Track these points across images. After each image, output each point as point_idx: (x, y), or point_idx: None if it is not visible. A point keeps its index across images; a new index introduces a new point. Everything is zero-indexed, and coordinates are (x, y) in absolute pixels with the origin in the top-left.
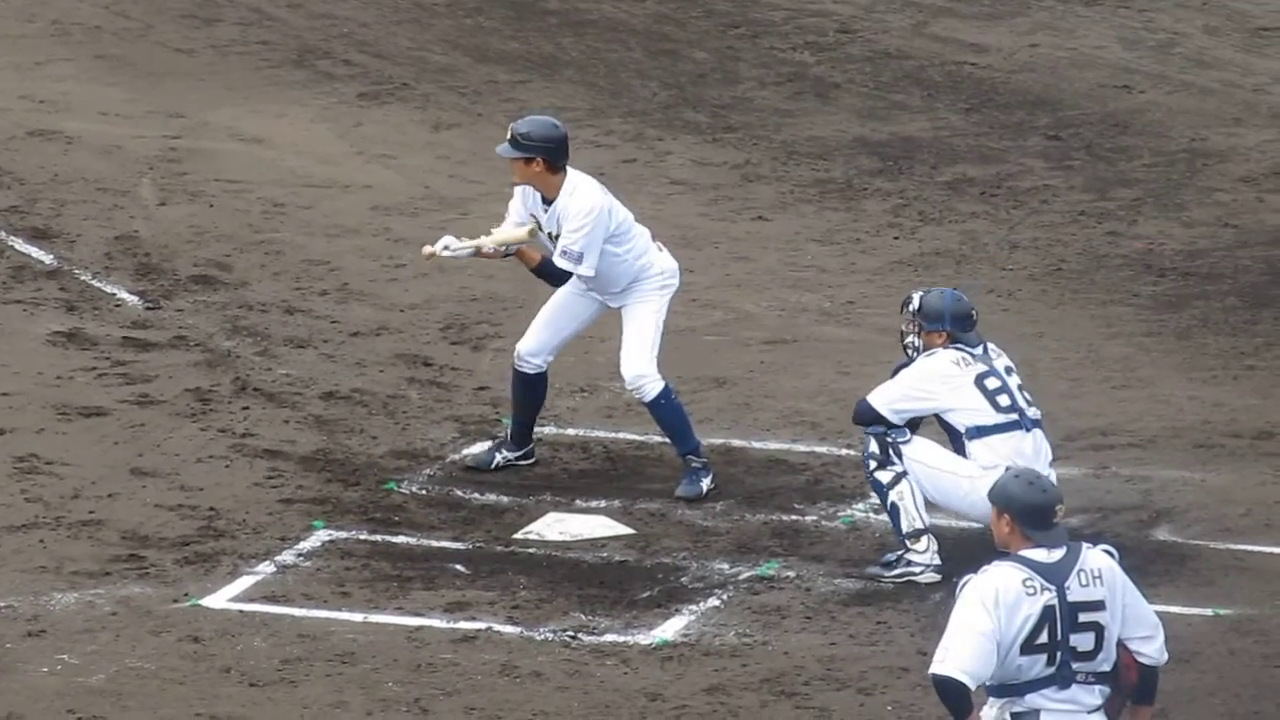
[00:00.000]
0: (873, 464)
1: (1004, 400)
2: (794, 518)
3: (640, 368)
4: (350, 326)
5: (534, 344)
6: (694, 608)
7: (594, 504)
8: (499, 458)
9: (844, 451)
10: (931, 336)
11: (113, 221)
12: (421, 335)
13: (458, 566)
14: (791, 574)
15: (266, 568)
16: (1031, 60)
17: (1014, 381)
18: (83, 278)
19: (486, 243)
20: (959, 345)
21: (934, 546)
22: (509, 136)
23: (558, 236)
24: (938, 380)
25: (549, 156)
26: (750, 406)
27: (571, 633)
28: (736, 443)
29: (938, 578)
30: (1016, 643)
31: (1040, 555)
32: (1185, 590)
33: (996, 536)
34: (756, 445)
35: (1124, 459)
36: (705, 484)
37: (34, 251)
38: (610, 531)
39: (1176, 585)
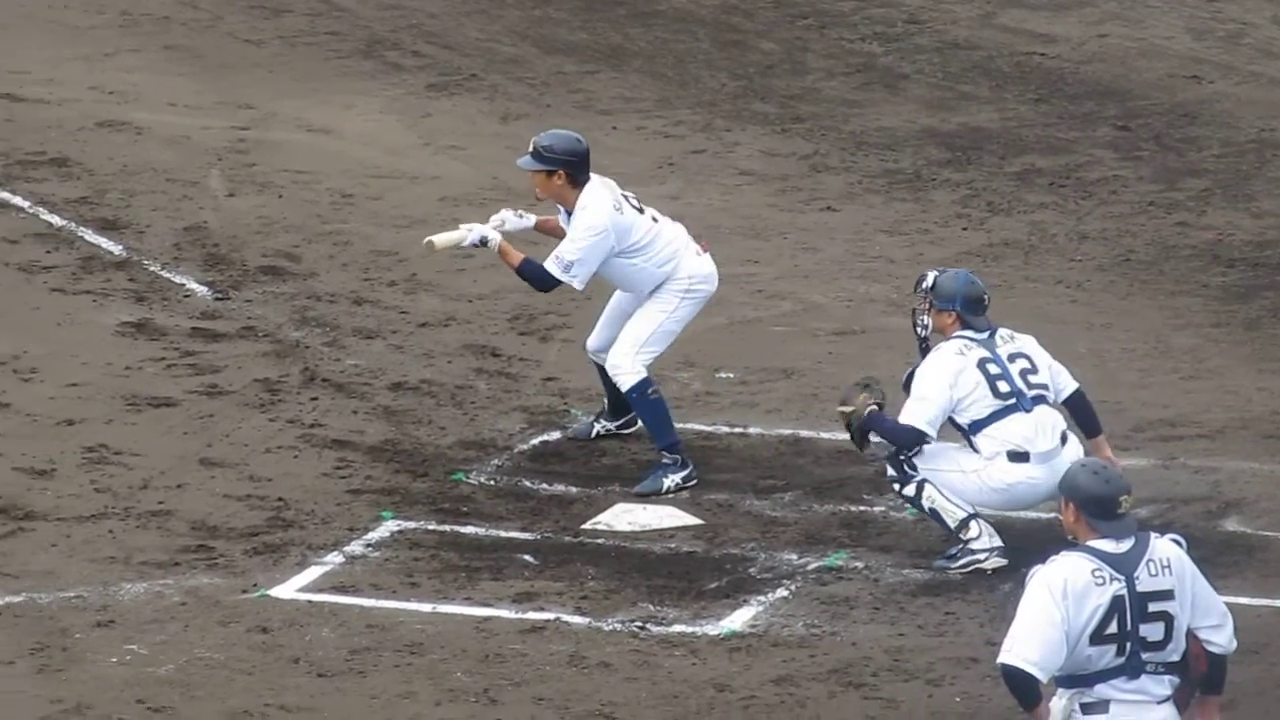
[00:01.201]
0: (897, 485)
1: (1003, 386)
2: (862, 508)
3: (618, 359)
4: (418, 317)
5: (597, 340)
6: (762, 598)
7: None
8: (598, 427)
9: None
10: (942, 316)
11: (181, 212)
12: (489, 326)
13: (526, 557)
14: (859, 565)
15: (335, 558)
16: (1100, 50)
17: (1016, 368)
18: (152, 268)
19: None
20: (965, 331)
21: (988, 528)
22: (531, 149)
23: None
24: (951, 375)
25: (571, 170)
26: (818, 397)
27: (640, 623)
28: (805, 433)
29: (1004, 561)
30: (1085, 633)
31: (1109, 545)
32: (1254, 581)
33: (1066, 526)
34: (825, 436)
35: (1192, 450)
36: (668, 481)
37: (103, 242)
38: (678, 522)
39: (1245, 576)
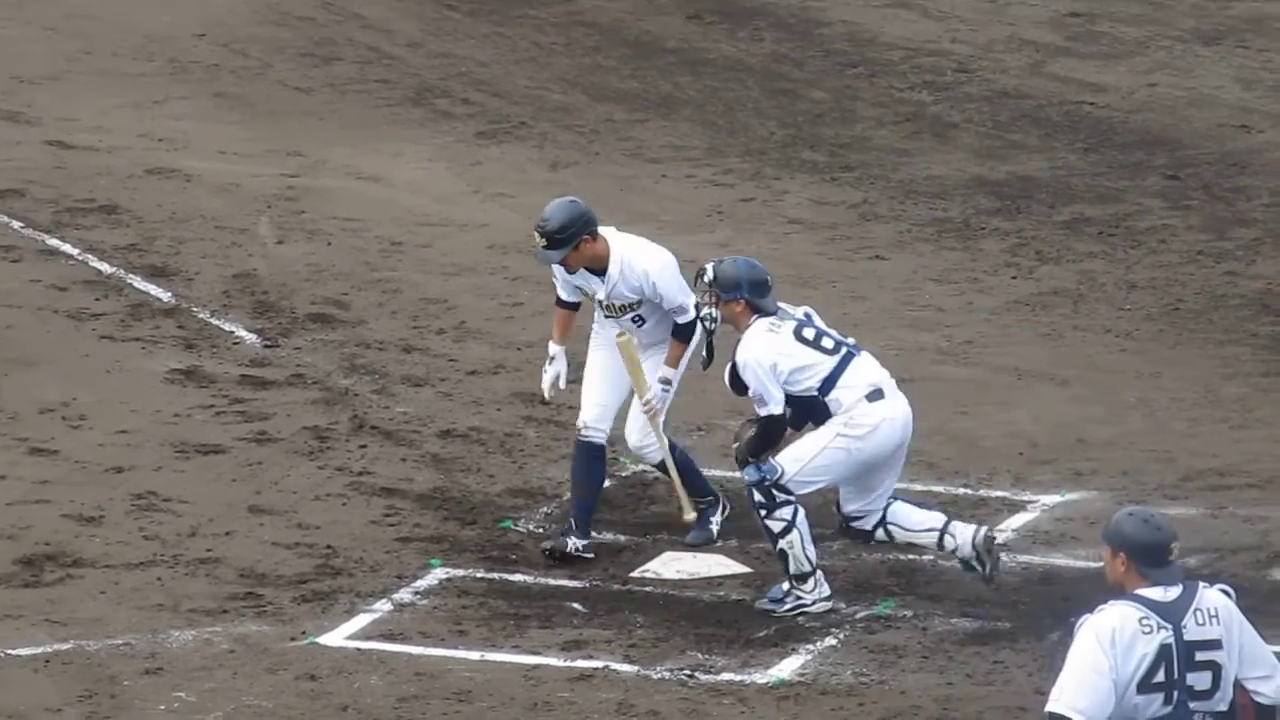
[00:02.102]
0: (763, 512)
1: (828, 343)
2: (910, 557)
3: (640, 437)
4: (467, 365)
5: (595, 412)
6: (810, 647)
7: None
8: (716, 524)
9: (961, 491)
10: (730, 306)
11: (230, 259)
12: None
13: (574, 605)
14: (908, 613)
15: (383, 606)
16: (1150, 100)
17: (819, 322)
18: (201, 315)
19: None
20: (759, 315)
21: (822, 584)
22: (544, 242)
23: (620, 306)
24: (772, 356)
25: (588, 232)
26: None
27: (688, 671)
28: None
29: (829, 605)
30: (1133, 681)
31: (1156, 594)
32: None
33: (1111, 576)
34: None
35: (1242, 499)
36: (714, 527)
37: (152, 289)
38: (726, 570)
39: None
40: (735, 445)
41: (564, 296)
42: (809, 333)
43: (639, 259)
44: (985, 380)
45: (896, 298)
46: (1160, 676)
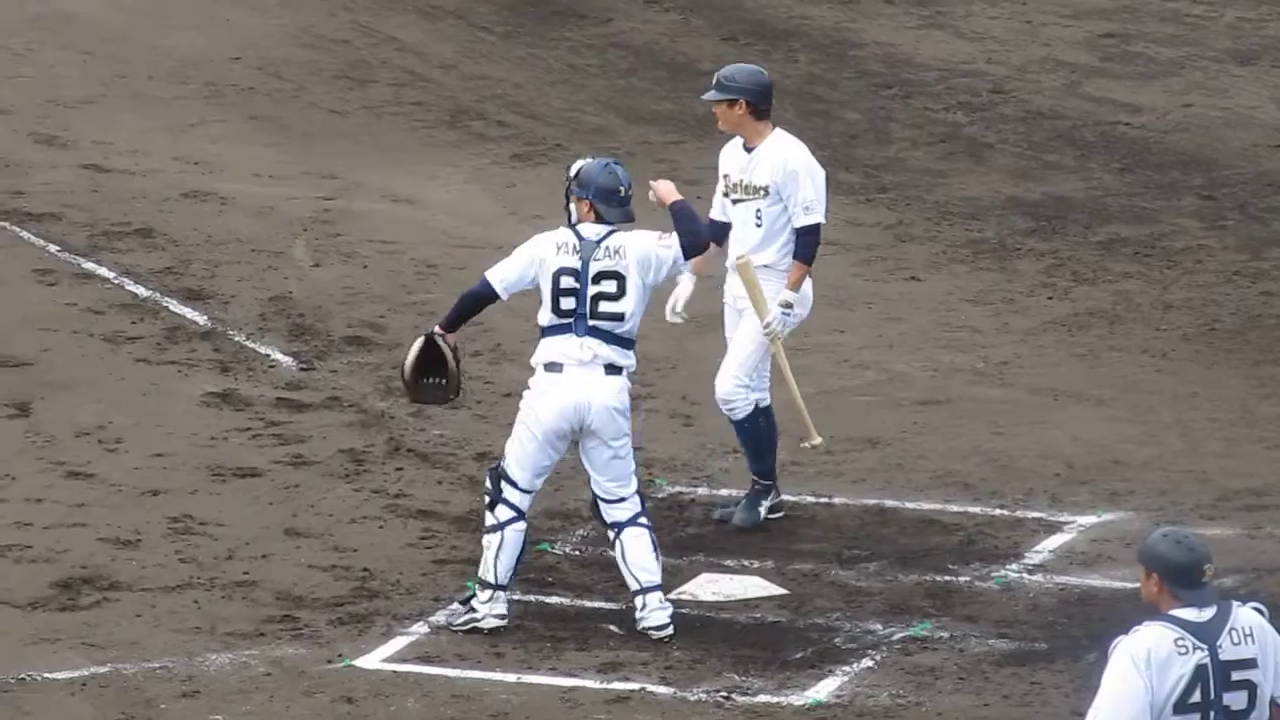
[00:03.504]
0: (486, 499)
1: (566, 304)
2: (947, 578)
3: (727, 388)
4: (503, 387)
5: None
6: (847, 668)
7: (747, 564)
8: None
9: (997, 512)
10: (581, 204)
11: (266, 282)
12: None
13: (611, 627)
14: (945, 634)
15: (420, 628)
16: (1185, 120)
17: (594, 290)
18: (236, 339)
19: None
20: (593, 225)
21: (499, 603)
22: (715, 82)
23: (749, 186)
24: (537, 256)
25: (753, 99)
26: (903, 467)
27: (725, 693)
28: (890, 503)
29: (500, 623)
30: (1169, 702)
31: (1191, 614)
32: None
33: (1146, 596)
34: (909, 506)
35: (1278, 519)
36: (763, 510)
37: (188, 312)
38: (763, 592)
39: None
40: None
41: (713, 214)
42: (565, 281)
43: (789, 148)
44: (1021, 401)
45: (932, 319)
46: (1196, 697)
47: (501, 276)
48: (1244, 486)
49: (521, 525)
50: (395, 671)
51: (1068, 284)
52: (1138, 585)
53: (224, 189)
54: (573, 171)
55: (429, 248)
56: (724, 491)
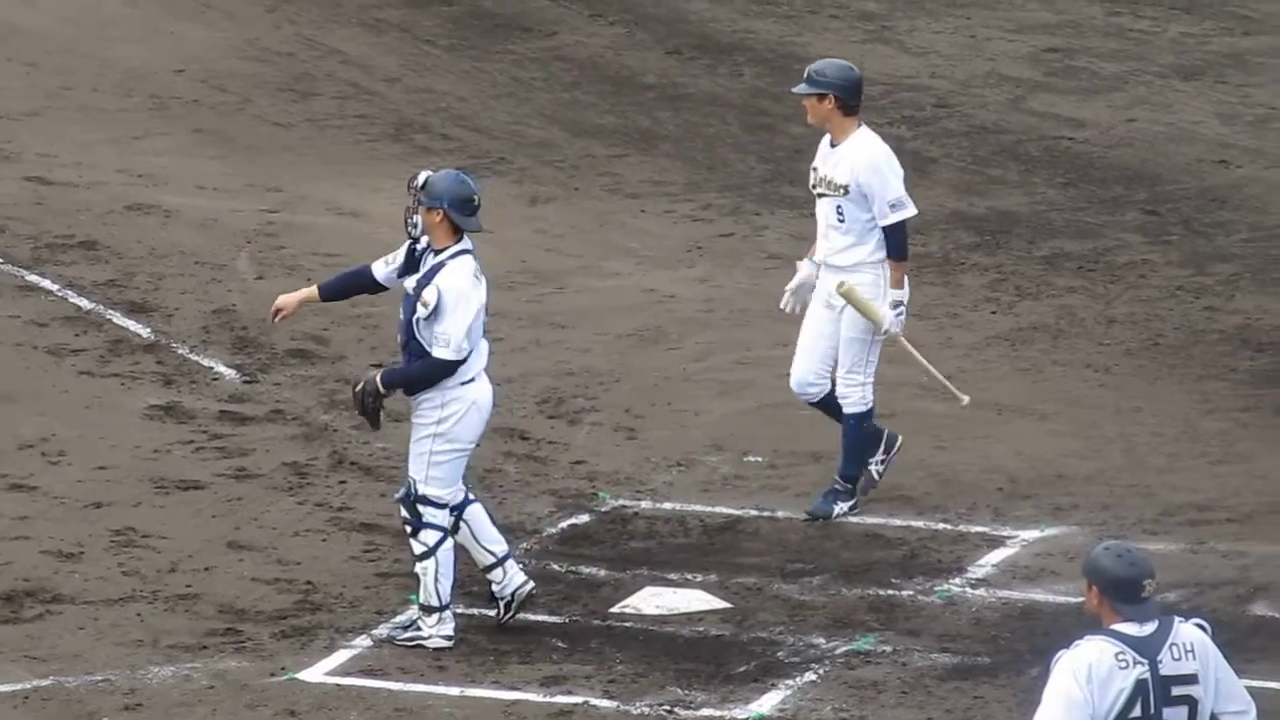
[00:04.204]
0: (409, 529)
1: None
2: (890, 592)
3: (849, 387)
4: None
5: (804, 371)
6: (790, 682)
7: (690, 578)
8: (875, 467)
9: (941, 526)
10: (431, 215)
11: (210, 295)
12: (518, 409)
13: (555, 640)
14: (887, 648)
15: (363, 641)
16: (1129, 135)
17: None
18: (180, 351)
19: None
20: (460, 245)
21: (446, 624)
22: (805, 76)
23: (831, 182)
24: (476, 302)
25: (842, 95)
26: None
27: (668, 707)
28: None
29: (447, 644)
30: (1110, 717)
31: (1132, 629)
32: None
33: (1088, 609)
34: (853, 520)
35: (1221, 534)
36: (839, 508)
37: (131, 325)
38: (706, 606)
39: (1274, 661)
40: (358, 392)
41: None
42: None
43: (869, 147)
44: (964, 415)
45: None
46: (1137, 712)
47: (459, 346)
48: (1187, 501)
49: (450, 542)
50: (338, 685)
51: (1011, 298)
52: (1081, 600)
53: (168, 202)
54: (419, 182)
55: (373, 260)
56: (667, 505)
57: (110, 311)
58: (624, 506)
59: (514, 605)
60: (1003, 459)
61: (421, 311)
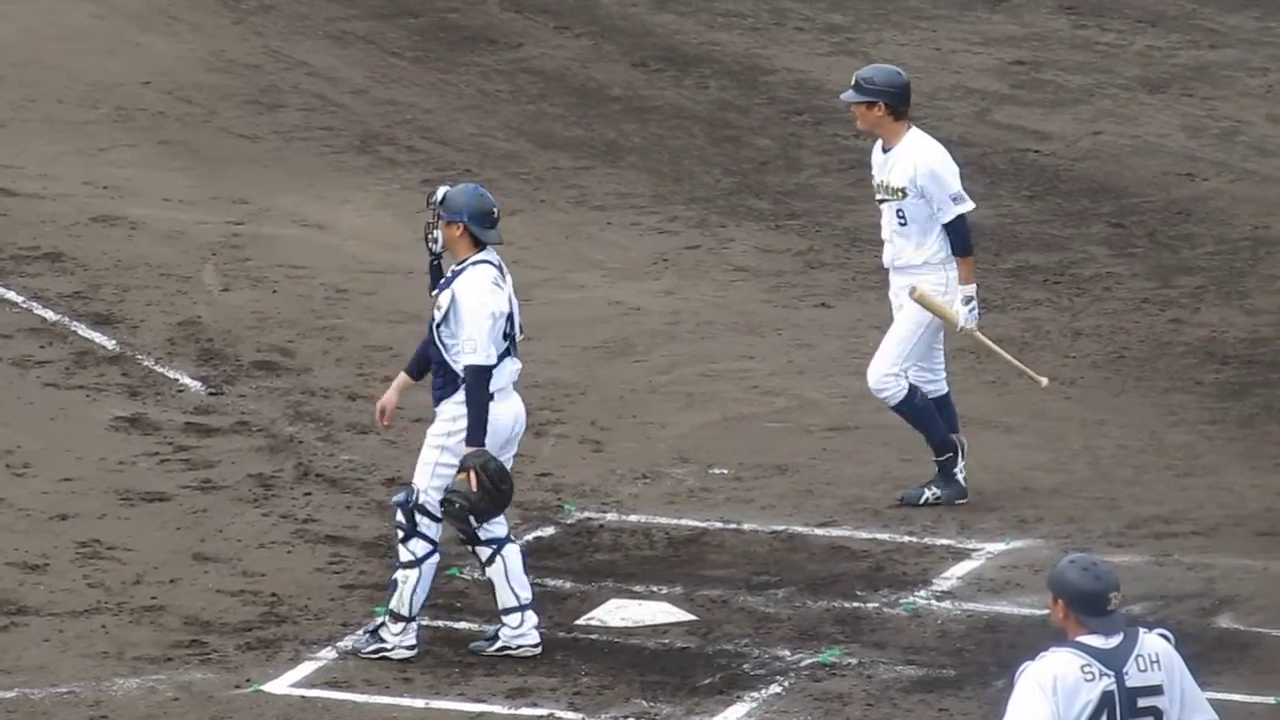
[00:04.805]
0: (400, 534)
1: (507, 329)
2: (856, 605)
3: (875, 378)
4: (412, 413)
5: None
6: (756, 694)
7: (655, 590)
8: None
9: (906, 539)
10: (451, 229)
11: (175, 307)
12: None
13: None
14: (853, 661)
15: (328, 653)
16: (1095, 148)
17: (516, 305)
18: (145, 363)
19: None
20: (480, 255)
21: (409, 635)
22: (853, 83)
23: (888, 187)
24: (492, 307)
25: (891, 101)
26: (813, 493)
27: (633, 719)
28: (799, 529)
29: (410, 654)
30: None
31: (1098, 641)
32: (1247, 678)
33: (1053, 622)
34: (819, 532)
35: (1186, 546)
36: (960, 475)
37: (97, 337)
38: (672, 618)
39: (1239, 673)
40: (476, 487)
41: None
42: (507, 308)
43: (922, 149)
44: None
45: (842, 345)
46: None
47: (487, 352)
48: (1152, 514)
49: (436, 558)
50: (303, 697)
51: (977, 311)
52: (1046, 612)
53: (134, 213)
54: (438, 198)
55: (339, 273)
56: (633, 518)
57: (75, 323)
58: (590, 519)
59: (508, 651)
60: (968, 471)
61: (435, 315)
